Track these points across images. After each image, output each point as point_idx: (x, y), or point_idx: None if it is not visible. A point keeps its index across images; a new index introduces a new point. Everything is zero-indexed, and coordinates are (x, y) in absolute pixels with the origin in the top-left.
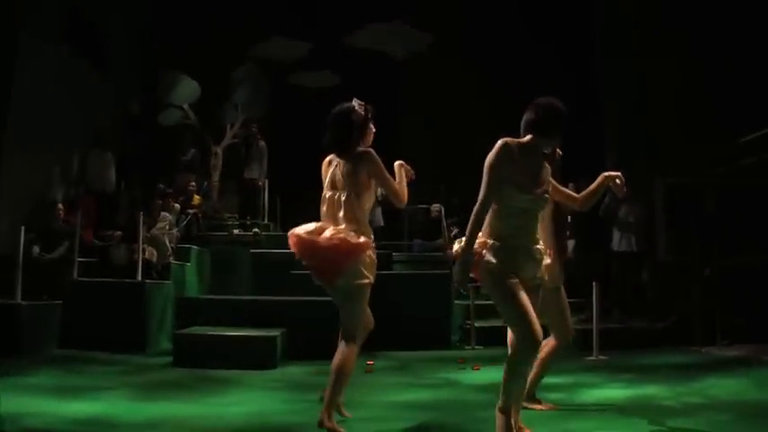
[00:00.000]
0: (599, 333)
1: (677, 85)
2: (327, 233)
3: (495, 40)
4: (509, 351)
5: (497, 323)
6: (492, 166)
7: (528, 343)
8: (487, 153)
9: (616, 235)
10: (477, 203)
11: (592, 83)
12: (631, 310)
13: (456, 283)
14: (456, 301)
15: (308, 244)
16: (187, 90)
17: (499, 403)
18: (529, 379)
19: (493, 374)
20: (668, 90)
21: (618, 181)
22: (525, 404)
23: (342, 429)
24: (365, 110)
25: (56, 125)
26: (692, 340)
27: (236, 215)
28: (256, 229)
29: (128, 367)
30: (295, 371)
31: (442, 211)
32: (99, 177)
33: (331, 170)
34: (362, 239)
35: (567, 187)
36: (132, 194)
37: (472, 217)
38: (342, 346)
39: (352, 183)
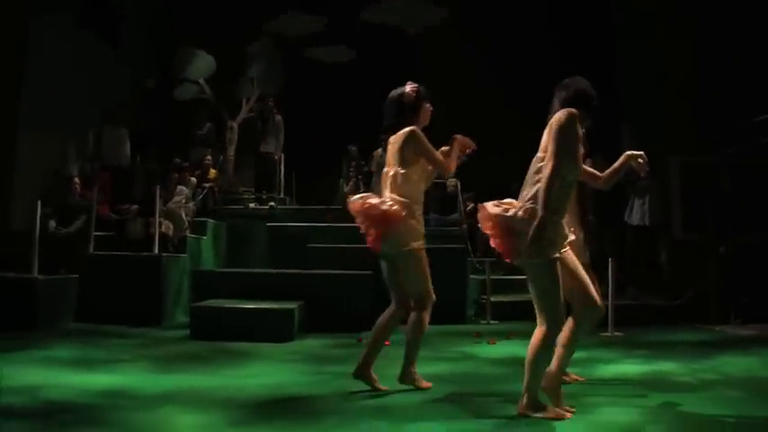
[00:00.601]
0: (614, 309)
1: (693, 65)
2: (369, 201)
3: (511, 17)
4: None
5: (513, 298)
6: (567, 135)
7: (560, 326)
8: (502, 128)
9: (633, 207)
10: (551, 171)
11: (608, 60)
12: (646, 287)
13: (532, 248)
14: (471, 276)
15: (350, 208)
16: (203, 65)
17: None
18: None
19: (509, 348)
20: (684, 70)
21: (640, 160)
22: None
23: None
24: (416, 91)
25: (70, 101)
26: (707, 318)
27: (252, 189)
28: (272, 203)
29: (144, 340)
30: (313, 343)
31: (458, 186)
32: (114, 152)
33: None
34: (395, 207)
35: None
36: (148, 169)
37: (546, 183)
38: (411, 316)
39: (399, 159)
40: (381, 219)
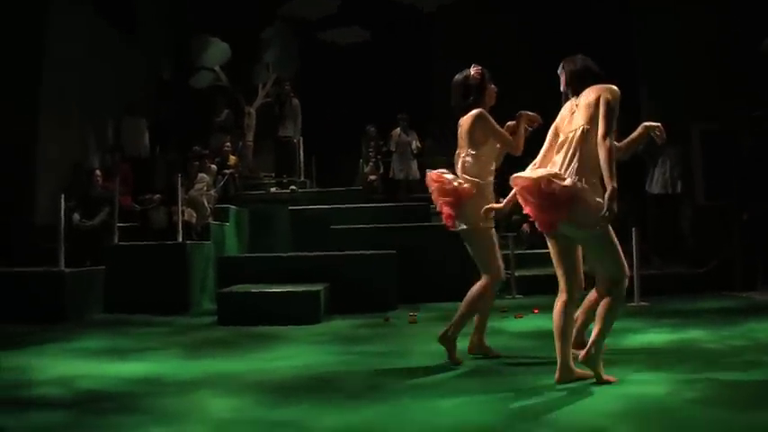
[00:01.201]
0: (639, 279)
1: (713, 30)
2: (445, 176)
3: None
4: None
5: (537, 272)
6: (614, 110)
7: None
8: (519, 105)
9: (654, 176)
10: (611, 145)
11: (626, 27)
12: (671, 256)
13: (604, 218)
14: None
15: (427, 179)
16: (217, 52)
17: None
18: (577, 327)
19: (536, 322)
20: (704, 38)
21: (657, 132)
22: (574, 351)
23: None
24: (481, 73)
25: (89, 94)
26: (733, 285)
27: (273, 174)
28: (293, 187)
29: (172, 328)
30: (339, 324)
31: None
32: (134, 143)
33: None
34: (466, 186)
35: None
36: (168, 158)
37: (611, 156)
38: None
39: (469, 141)
40: (453, 194)
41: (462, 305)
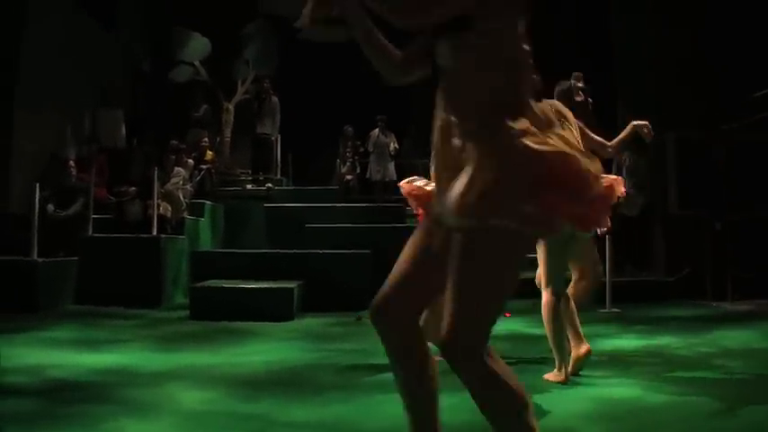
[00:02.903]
0: (611, 286)
1: (690, 42)
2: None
3: None
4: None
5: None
6: None
7: None
8: None
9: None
10: None
11: (603, 36)
12: (643, 264)
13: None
14: None
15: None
16: (198, 47)
17: None
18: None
19: (509, 325)
20: (680, 47)
21: (645, 130)
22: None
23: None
24: None
25: (66, 84)
26: (704, 294)
27: (249, 170)
28: (269, 184)
29: (145, 321)
30: (312, 322)
31: None
32: (110, 135)
33: None
34: None
35: None
36: (145, 151)
37: None
38: None
39: None
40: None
41: None
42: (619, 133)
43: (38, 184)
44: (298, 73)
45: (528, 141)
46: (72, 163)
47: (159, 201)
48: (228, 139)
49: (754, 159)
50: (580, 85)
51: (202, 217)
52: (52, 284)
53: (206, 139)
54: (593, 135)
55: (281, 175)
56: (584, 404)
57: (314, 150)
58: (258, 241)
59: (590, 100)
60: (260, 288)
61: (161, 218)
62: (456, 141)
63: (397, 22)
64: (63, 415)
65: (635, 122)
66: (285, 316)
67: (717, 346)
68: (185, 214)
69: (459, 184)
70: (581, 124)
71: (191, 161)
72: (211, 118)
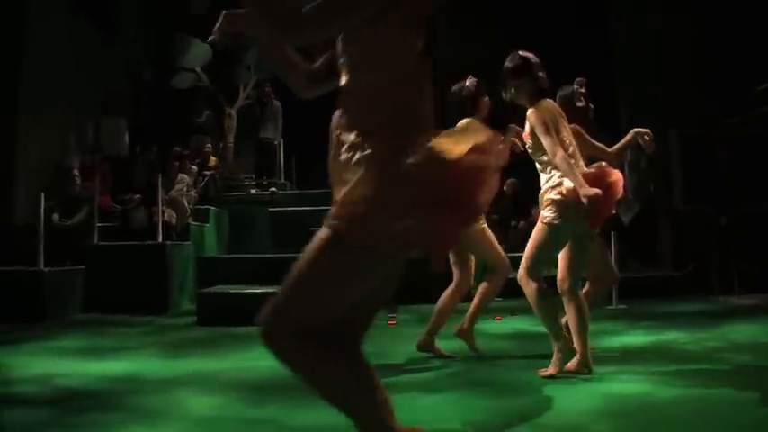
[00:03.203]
0: (618, 282)
1: (691, 35)
2: None
3: None
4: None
5: (512, 275)
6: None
7: None
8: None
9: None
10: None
11: (604, 31)
12: (649, 260)
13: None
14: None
15: None
16: (198, 53)
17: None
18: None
19: (515, 324)
20: (683, 43)
21: (647, 137)
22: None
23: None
24: (475, 86)
25: (69, 94)
26: (710, 289)
27: (253, 175)
28: (273, 189)
29: (152, 328)
30: None
31: None
32: (113, 143)
33: None
34: None
35: None
36: (148, 158)
37: None
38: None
39: None
40: None
41: (474, 299)
42: (619, 133)
43: (43, 194)
44: None
45: (412, 157)
46: (76, 172)
47: (164, 207)
48: (231, 145)
49: (759, 153)
50: (583, 90)
51: (207, 223)
52: (59, 294)
53: (209, 145)
54: (593, 141)
55: (285, 179)
56: (594, 401)
57: (317, 154)
58: (263, 246)
59: (591, 106)
60: (266, 293)
61: (166, 224)
62: (343, 156)
63: (290, 40)
64: (72, 424)
65: (636, 130)
66: None
67: (725, 341)
68: (190, 220)
69: (341, 196)
70: (580, 129)
71: (194, 167)
72: (214, 124)
